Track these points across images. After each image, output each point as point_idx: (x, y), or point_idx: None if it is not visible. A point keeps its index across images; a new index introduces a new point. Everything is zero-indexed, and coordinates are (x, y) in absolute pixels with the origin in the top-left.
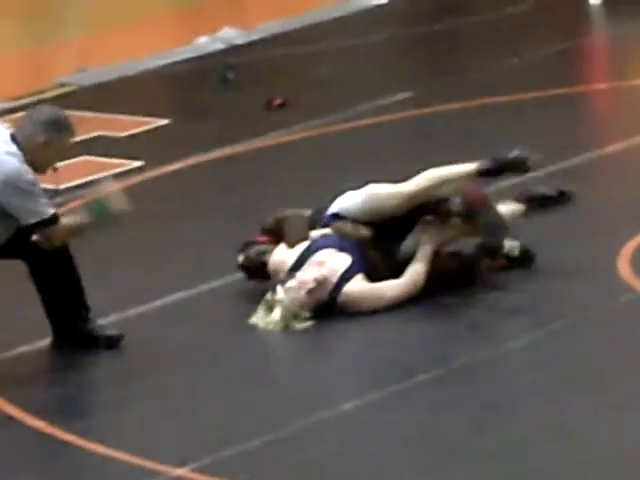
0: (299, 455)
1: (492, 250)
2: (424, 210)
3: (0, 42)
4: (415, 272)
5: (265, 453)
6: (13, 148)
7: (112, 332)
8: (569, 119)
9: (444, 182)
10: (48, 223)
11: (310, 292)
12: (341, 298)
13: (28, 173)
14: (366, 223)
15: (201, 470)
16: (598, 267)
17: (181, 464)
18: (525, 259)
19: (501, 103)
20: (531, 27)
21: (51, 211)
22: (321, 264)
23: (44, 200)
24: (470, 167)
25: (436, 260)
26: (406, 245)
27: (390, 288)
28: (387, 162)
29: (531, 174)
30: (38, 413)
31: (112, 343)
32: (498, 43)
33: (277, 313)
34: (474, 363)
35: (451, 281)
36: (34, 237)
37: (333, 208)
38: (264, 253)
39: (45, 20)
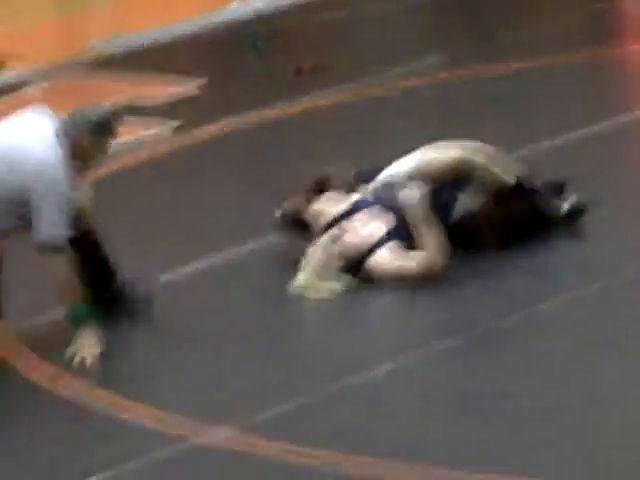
0: (331, 419)
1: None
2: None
3: (36, 9)
4: (427, 248)
5: (299, 417)
6: (60, 146)
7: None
8: (602, 82)
9: (491, 158)
10: (53, 249)
11: (332, 249)
12: (367, 265)
13: (68, 185)
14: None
15: (237, 432)
16: (630, 233)
17: (218, 425)
18: (575, 214)
19: (533, 67)
20: None
21: (61, 241)
22: (358, 227)
23: (64, 224)
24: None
25: (480, 214)
26: (462, 203)
27: (410, 270)
28: (418, 126)
29: (564, 139)
30: (77, 376)
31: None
32: (530, 6)
33: (304, 275)
34: (504, 327)
35: (492, 237)
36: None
37: (384, 174)
38: (304, 208)
39: None
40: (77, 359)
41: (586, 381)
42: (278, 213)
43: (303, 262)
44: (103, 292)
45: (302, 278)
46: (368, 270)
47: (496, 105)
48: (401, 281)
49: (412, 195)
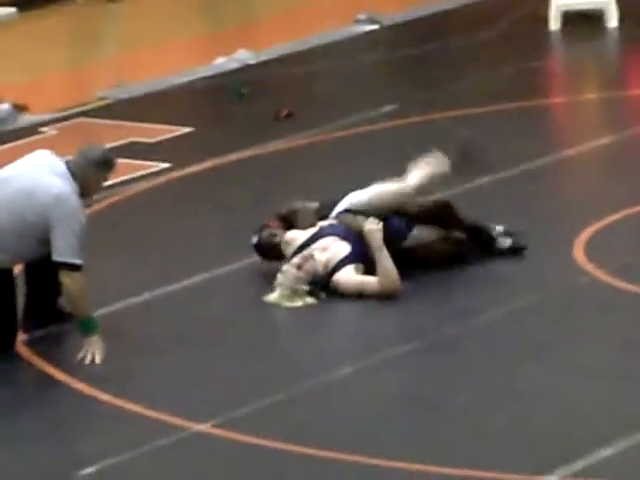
0: (304, 413)
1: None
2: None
3: (48, 61)
4: (385, 270)
5: (274, 412)
6: (72, 181)
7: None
8: (531, 127)
9: (432, 179)
10: (72, 268)
11: (301, 268)
12: (333, 282)
13: (83, 215)
14: (373, 215)
15: (219, 426)
16: (557, 254)
17: (202, 421)
18: (516, 250)
19: (473, 114)
20: (500, 49)
21: (79, 261)
22: (324, 249)
23: (79, 247)
24: (445, 167)
25: (432, 245)
26: (413, 235)
27: (370, 285)
28: (377, 164)
29: (502, 174)
30: (78, 376)
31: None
32: (472, 63)
33: (277, 292)
34: (452, 335)
35: (440, 263)
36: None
37: (343, 204)
38: (275, 235)
39: (86, 43)
40: (87, 360)
41: (518, 381)
42: (254, 239)
43: (275, 282)
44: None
45: (274, 296)
46: (334, 285)
47: (441, 148)
48: (363, 296)
49: (373, 225)
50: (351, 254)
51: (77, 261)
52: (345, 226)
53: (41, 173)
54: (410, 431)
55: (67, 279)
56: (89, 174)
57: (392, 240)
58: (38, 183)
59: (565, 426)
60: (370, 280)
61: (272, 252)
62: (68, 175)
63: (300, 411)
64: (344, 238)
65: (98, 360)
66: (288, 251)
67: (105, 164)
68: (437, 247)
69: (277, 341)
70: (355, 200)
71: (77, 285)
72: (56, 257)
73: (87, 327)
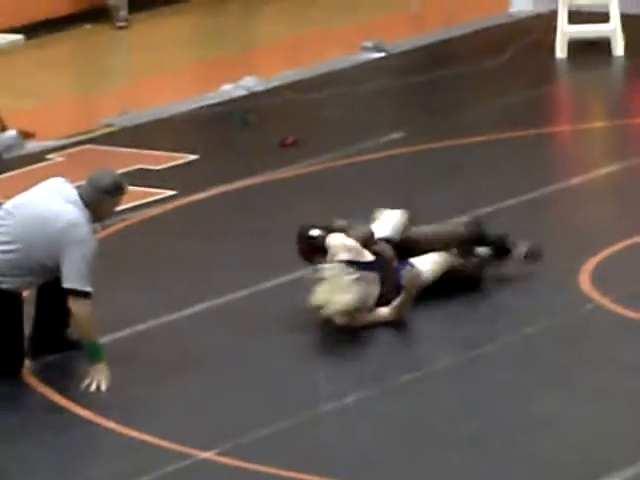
0: (308, 441)
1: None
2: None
3: (54, 88)
4: (401, 307)
5: (279, 439)
6: (82, 208)
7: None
8: (537, 155)
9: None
10: (81, 295)
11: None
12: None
13: (94, 242)
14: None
15: (225, 454)
16: (563, 282)
17: (208, 448)
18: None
19: (479, 142)
20: (506, 77)
21: (88, 288)
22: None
23: (88, 275)
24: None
25: (447, 274)
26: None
27: (381, 315)
28: (383, 192)
29: (509, 202)
30: (83, 403)
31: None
32: (478, 91)
33: (322, 291)
34: (457, 362)
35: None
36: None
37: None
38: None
39: (93, 69)
40: (93, 387)
41: (526, 408)
42: (314, 232)
43: (321, 278)
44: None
45: (320, 292)
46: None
47: (447, 175)
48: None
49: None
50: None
51: (87, 288)
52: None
53: (53, 200)
54: (415, 459)
55: (76, 306)
56: (100, 200)
57: None
58: (50, 210)
59: (574, 453)
60: (381, 312)
61: (319, 254)
62: (79, 202)
63: (305, 439)
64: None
65: (104, 388)
66: (331, 256)
67: (115, 190)
68: (451, 276)
69: (282, 369)
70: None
71: (85, 312)
72: (66, 284)
73: (94, 353)
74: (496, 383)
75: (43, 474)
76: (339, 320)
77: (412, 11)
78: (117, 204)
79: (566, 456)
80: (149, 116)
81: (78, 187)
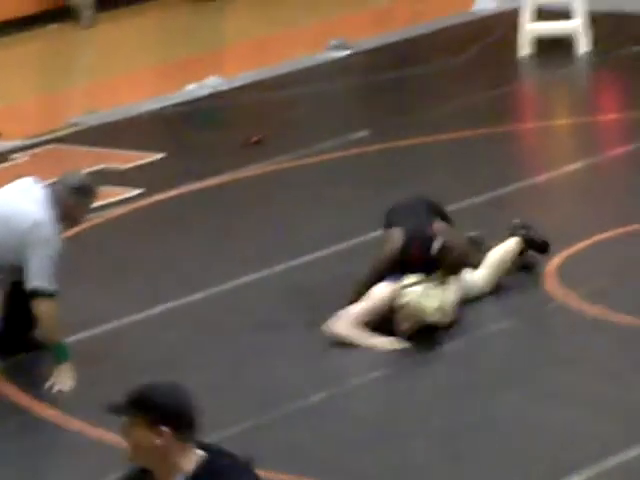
0: (277, 439)
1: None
2: None
3: (21, 89)
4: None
5: (248, 438)
6: (50, 208)
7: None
8: (502, 153)
9: None
10: (46, 295)
11: None
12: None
13: (59, 242)
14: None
15: None
16: (528, 280)
17: None
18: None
19: (444, 140)
20: (470, 75)
21: (53, 288)
22: None
23: (53, 275)
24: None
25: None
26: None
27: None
28: (349, 190)
29: (473, 200)
30: (47, 404)
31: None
32: (442, 89)
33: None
34: (421, 361)
35: None
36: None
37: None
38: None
39: (58, 69)
40: (56, 388)
41: (488, 407)
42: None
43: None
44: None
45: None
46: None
47: (412, 173)
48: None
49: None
50: None
51: (51, 288)
52: None
53: (20, 200)
54: (381, 457)
55: (40, 305)
56: (69, 200)
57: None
58: (16, 210)
59: (537, 452)
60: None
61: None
62: (47, 202)
63: (273, 437)
64: None
65: (67, 388)
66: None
67: (84, 191)
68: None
69: (250, 367)
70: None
71: (50, 312)
72: (30, 283)
73: (59, 354)
74: (459, 382)
75: (6, 477)
76: (405, 325)
77: (381, 6)
78: (87, 206)
79: (527, 455)
80: (115, 115)
81: (48, 187)
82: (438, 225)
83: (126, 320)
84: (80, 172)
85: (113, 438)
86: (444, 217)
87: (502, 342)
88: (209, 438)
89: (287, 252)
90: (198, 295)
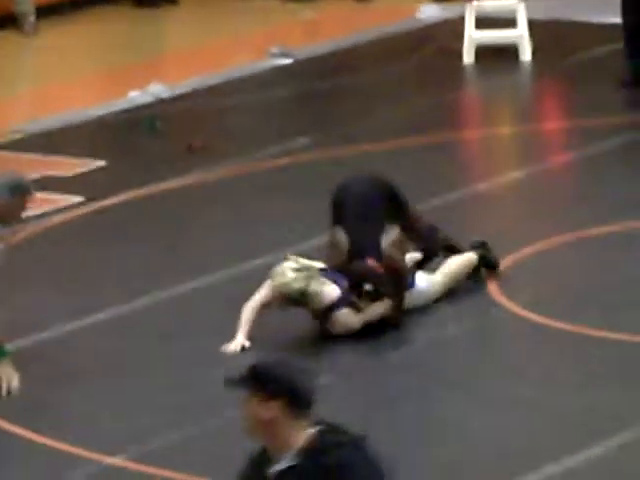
0: (218, 447)
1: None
2: None
3: None
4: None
5: (189, 445)
6: None
7: None
8: (445, 161)
9: None
10: None
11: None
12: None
13: None
14: None
15: (133, 459)
16: (471, 288)
17: (116, 454)
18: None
19: (387, 148)
20: (414, 83)
21: None
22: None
23: None
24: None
25: None
26: None
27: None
28: (288, 197)
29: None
30: None
31: None
32: (385, 96)
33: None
34: (365, 367)
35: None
36: None
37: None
38: None
39: (1, 77)
40: (3, 388)
41: (431, 412)
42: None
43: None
44: None
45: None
46: (332, 323)
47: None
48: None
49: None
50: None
51: None
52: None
53: None
54: None
55: None
56: (1, 200)
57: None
58: None
59: (474, 459)
60: (377, 311)
61: None
62: None
63: (215, 445)
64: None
65: (12, 388)
66: None
67: (17, 189)
68: None
69: (194, 374)
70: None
71: None
72: None
73: None
74: (402, 388)
75: None
76: (338, 329)
77: (306, 19)
78: (20, 205)
79: (466, 462)
80: (57, 122)
81: None
82: (371, 264)
83: (65, 327)
84: (12, 172)
85: (52, 443)
86: (396, 201)
87: (444, 349)
88: (148, 445)
89: (229, 260)
90: (140, 302)
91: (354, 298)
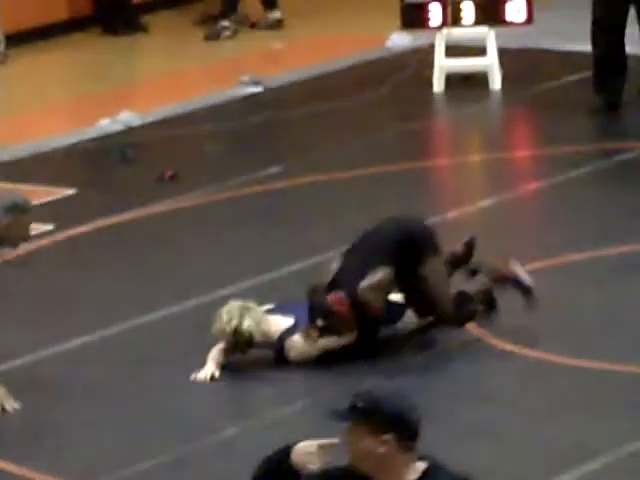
0: (189, 475)
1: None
2: None
3: None
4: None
5: (160, 474)
6: None
7: None
8: (414, 189)
9: None
10: None
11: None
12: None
13: None
14: None
15: None
16: None
17: None
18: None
19: (356, 176)
20: (384, 111)
21: None
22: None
23: None
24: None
25: None
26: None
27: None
28: (261, 226)
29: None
30: None
31: None
32: (355, 125)
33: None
34: (338, 394)
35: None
36: None
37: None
38: None
39: None
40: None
41: None
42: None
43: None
44: None
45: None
46: (286, 350)
47: (324, 210)
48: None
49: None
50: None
51: None
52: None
53: None
54: None
55: None
56: (1, 221)
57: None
58: None
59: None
60: (333, 341)
61: None
62: None
63: (185, 473)
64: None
65: (9, 408)
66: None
67: (15, 209)
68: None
69: (164, 402)
70: None
71: None
72: None
73: None
74: None
75: None
76: (293, 357)
77: (275, 49)
78: (24, 224)
79: None
80: (26, 150)
81: None
82: (332, 298)
83: (37, 355)
84: (10, 192)
85: (23, 472)
86: (413, 255)
87: (417, 378)
88: (119, 474)
89: (199, 288)
90: (109, 331)
91: (310, 328)
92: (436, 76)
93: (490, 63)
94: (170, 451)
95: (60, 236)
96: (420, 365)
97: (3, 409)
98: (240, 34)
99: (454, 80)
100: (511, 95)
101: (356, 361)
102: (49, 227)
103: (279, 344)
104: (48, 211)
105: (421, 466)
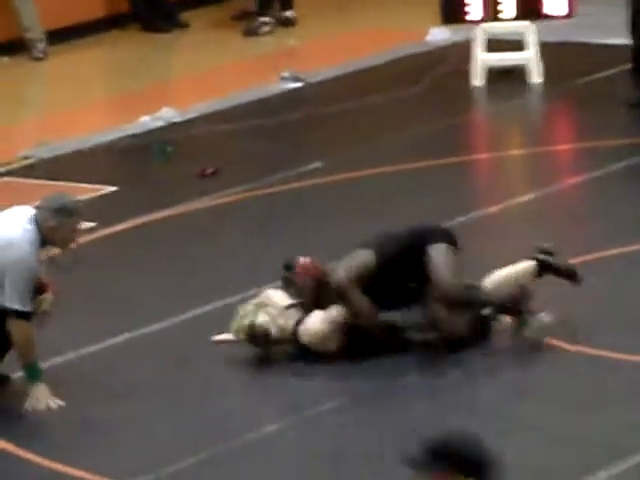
0: (229, 473)
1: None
2: None
3: None
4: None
5: (200, 471)
6: (31, 230)
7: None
8: (455, 184)
9: None
10: (20, 315)
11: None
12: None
13: (33, 262)
14: None
15: None
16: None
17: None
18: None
19: (398, 171)
20: (424, 106)
21: (26, 308)
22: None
23: (27, 295)
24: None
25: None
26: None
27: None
28: (304, 222)
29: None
30: (4, 437)
31: None
32: (395, 119)
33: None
34: (379, 392)
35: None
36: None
37: None
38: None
39: (9, 101)
40: (41, 406)
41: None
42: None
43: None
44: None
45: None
46: (300, 337)
47: (366, 205)
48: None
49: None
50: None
51: (24, 308)
52: None
53: (4, 224)
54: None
55: (15, 326)
56: (49, 222)
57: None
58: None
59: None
60: (339, 314)
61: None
62: (29, 224)
63: (225, 470)
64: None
65: (42, 407)
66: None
67: (65, 212)
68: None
69: (204, 399)
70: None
71: (24, 332)
72: (7, 304)
73: (33, 374)
74: (415, 412)
75: None
76: (308, 341)
77: (330, 38)
78: (71, 227)
79: None
80: (67, 148)
81: (33, 211)
82: (300, 261)
83: (81, 352)
84: (64, 193)
85: (68, 470)
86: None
87: (456, 373)
88: (162, 470)
89: (241, 283)
90: (154, 327)
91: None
92: (475, 70)
93: (529, 57)
94: (211, 448)
95: (102, 233)
96: (456, 360)
97: (46, 406)
98: (278, 30)
99: (493, 74)
100: (550, 89)
101: (386, 355)
102: (90, 224)
103: (294, 334)
104: (89, 208)
105: None
